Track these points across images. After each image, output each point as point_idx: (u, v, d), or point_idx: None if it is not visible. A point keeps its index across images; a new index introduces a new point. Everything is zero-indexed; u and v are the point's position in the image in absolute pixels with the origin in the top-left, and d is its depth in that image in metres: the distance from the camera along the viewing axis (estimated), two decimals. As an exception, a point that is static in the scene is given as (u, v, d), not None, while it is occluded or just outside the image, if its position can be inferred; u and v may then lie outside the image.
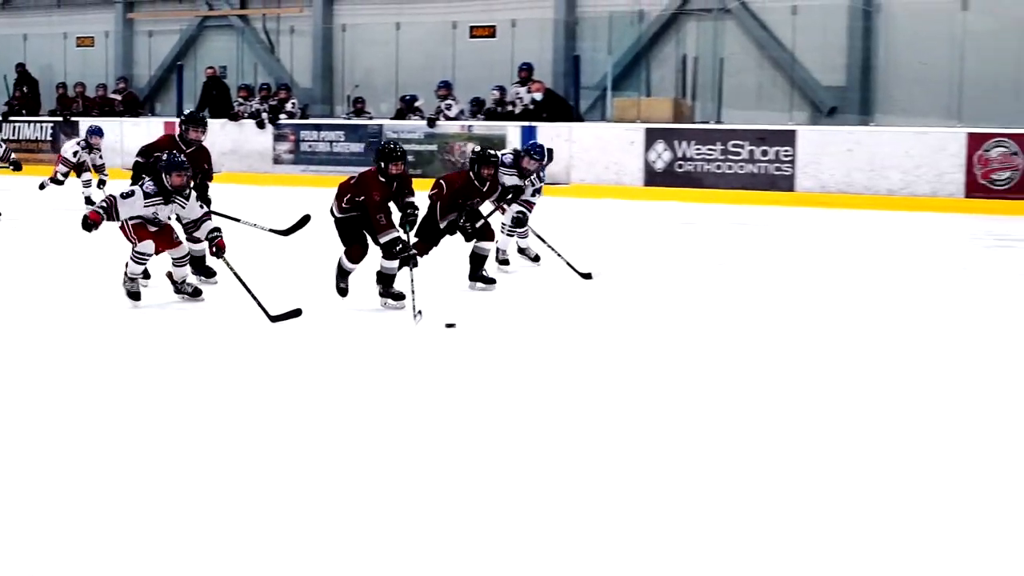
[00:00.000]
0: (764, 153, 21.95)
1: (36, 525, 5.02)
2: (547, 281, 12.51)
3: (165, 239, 10.59)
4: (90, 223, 10.11)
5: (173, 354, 8.88)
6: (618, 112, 25.08)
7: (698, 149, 22.35)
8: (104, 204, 10.25)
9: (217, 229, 10.45)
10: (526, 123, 24.12)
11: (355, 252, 10.81)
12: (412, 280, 10.21)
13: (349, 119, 26.79)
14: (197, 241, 10.96)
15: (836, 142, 21.52)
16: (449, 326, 9.75)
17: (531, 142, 12.69)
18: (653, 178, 22.78)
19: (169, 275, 10.94)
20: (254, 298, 9.94)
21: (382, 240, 10.53)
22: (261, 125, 26.17)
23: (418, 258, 10.77)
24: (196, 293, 10.99)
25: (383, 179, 10.60)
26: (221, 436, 6.51)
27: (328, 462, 5.98)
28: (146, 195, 10.31)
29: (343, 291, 10.87)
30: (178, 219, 10.64)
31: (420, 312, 9.98)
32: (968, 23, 23.03)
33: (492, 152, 11.89)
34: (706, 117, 24.76)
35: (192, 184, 10.79)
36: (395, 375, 8.17)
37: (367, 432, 6.59)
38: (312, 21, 30.35)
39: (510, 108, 24.84)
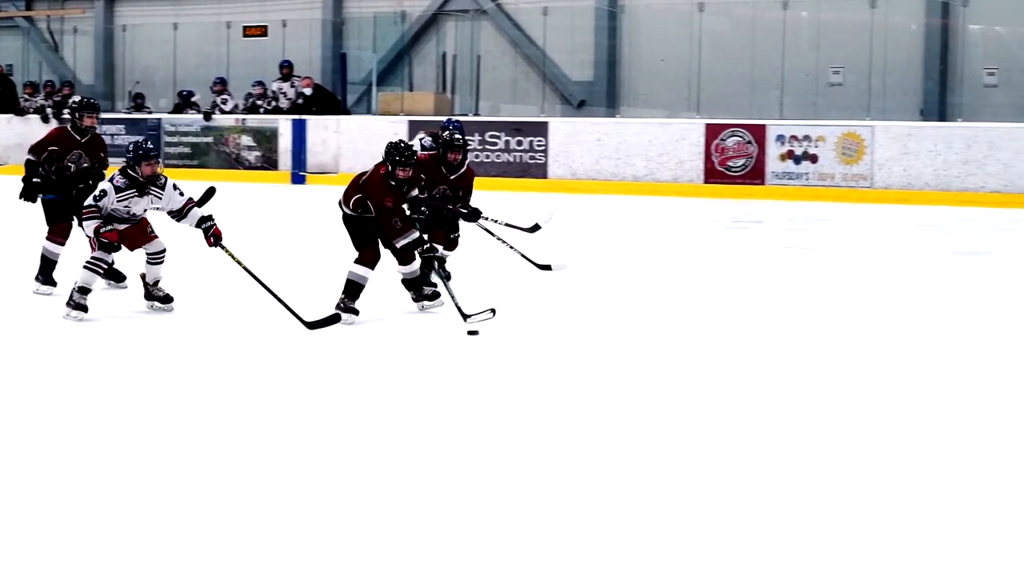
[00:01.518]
0: (519, 143, 22.84)
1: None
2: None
3: (139, 234, 9.63)
4: (111, 244, 9.32)
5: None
6: (383, 106, 25.81)
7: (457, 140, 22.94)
8: (98, 215, 9.34)
9: (209, 217, 9.34)
10: (296, 116, 24.84)
11: (368, 256, 9.59)
12: (447, 284, 9.43)
13: (129, 113, 27.24)
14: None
15: (585, 133, 22.52)
16: (472, 333, 8.86)
17: (451, 120, 11.66)
18: (415, 167, 23.35)
19: (142, 276, 9.81)
20: (280, 300, 9.01)
21: (399, 244, 9.48)
22: (46, 120, 26.16)
23: (444, 253, 10.11)
24: (166, 300, 9.79)
25: (393, 183, 9.51)
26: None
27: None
28: (117, 189, 9.33)
29: (354, 312, 9.47)
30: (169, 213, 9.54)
31: (472, 316, 9.10)
32: (704, 23, 24.37)
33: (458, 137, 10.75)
34: (465, 110, 25.60)
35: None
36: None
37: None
38: (94, 22, 30.58)
39: (273, 103, 25.51)
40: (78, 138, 10.92)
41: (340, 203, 9.77)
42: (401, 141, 9.71)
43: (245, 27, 28.79)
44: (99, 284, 9.86)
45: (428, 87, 26.64)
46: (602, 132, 22.38)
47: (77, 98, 16.45)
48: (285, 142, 24.62)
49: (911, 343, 8.90)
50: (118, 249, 9.53)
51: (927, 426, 6.55)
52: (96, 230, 9.26)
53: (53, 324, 9.34)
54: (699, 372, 7.89)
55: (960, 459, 5.90)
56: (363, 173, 9.77)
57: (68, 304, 9.43)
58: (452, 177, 10.67)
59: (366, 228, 9.64)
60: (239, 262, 9.18)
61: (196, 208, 9.44)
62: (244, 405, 6.93)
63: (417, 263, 9.72)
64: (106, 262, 9.52)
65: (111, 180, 9.47)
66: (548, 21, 25.70)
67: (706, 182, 21.26)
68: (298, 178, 24.41)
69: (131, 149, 9.41)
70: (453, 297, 9.22)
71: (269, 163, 24.74)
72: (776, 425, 6.50)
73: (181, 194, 9.45)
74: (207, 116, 25.51)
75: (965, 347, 8.75)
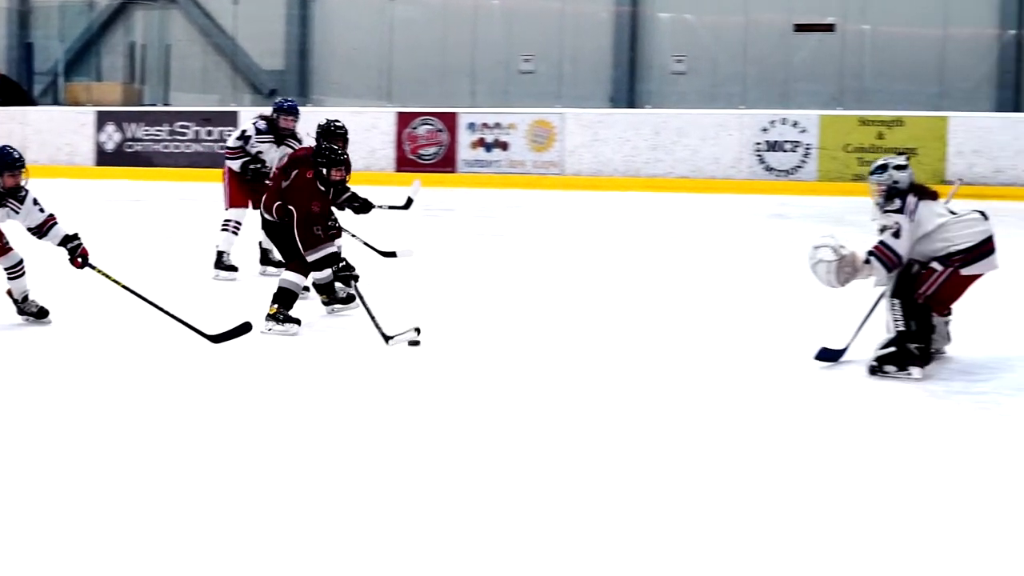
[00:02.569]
0: (209, 133, 22.23)
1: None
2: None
3: None
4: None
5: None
6: (70, 96, 24.99)
7: (147, 130, 22.43)
8: None
9: (75, 236, 8.23)
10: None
11: (302, 265, 8.65)
12: (363, 298, 8.33)
13: None
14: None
15: (277, 122, 21.79)
16: (413, 343, 8.03)
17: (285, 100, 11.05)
18: (105, 158, 22.69)
19: (9, 292, 8.69)
20: (174, 317, 7.93)
21: (311, 258, 8.55)
22: None
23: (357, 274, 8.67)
24: (42, 314, 8.66)
25: (323, 187, 8.65)
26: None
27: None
28: None
29: (295, 322, 8.50)
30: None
31: (394, 337, 8.08)
32: (396, 12, 24.03)
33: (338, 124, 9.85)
34: (154, 100, 24.97)
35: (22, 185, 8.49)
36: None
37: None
38: None
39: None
40: None
41: (262, 212, 8.92)
42: (328, 147, 8.82)
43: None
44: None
45: (117, 77, 25.85)
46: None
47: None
48: (-34, 134, 23.29)
49: (601, 326, 8.84)
50: None
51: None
52: None
53: None
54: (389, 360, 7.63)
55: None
56: (282, 176, 8.80)
57: None
58: None
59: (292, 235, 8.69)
60: (117, 282, 8.10)
61: (58, 225, 8.33)
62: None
63: (329, 270, 8.72)
64: None
65: None
66: (239, 10, 25.15)
67: (398, 170, 20.92)
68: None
69: None
70: (373, 318, 8.18)
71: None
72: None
73: (41, 210, 8.37)
74: None
75: (656, 327, 8.78)
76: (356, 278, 8.43)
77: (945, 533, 4.69)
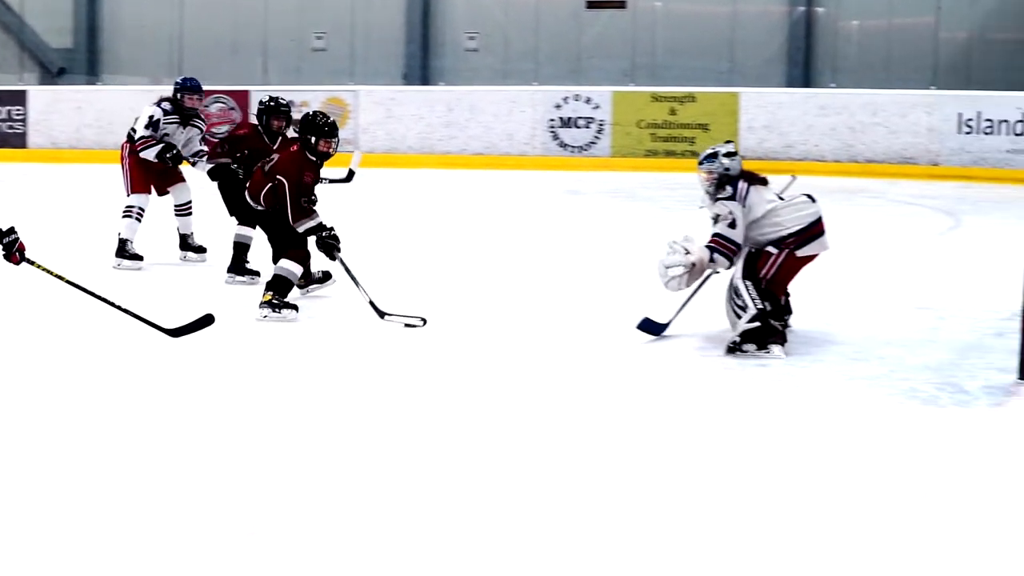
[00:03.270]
0: (-4, 113, 21.45)
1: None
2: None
3: None
4: None
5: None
6: None
7: (-68, 111, 21.54)
8: None
9: (11, 230, 7.19)
10: None
11: (302, 255, 8.61)
12: (353, 275, 8.32)
13: None
14: None
15: (65, 101, 21.38)
16: (410, 326, 7.98)
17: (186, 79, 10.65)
18: None
19: None
20: (128, 312, 7.49)
21: (301, 228, 8.43)
22: None
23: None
24: None
25: (313, 158, 8.52)
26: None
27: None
28: None
29: (293, 308, 8.36)
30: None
31: (390, 316, 8.13)
32: (186, -11, 23.44)
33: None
34: (-59, 80, 23.97)
35: None
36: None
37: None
38: None
39: None
40: None
41: (250, 202, 8.78)
42: (320, 113, 8.79)
43: None
44: None
45: None
46: (83, 100, 21.36)
47: None
48: None
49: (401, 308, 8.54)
50: None
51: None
52: None
53: None
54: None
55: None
56: (266, 161, 8.75)
57: None
58: (275, 146, 9.71)
59: (286, 223, 8.54)
60: (60, 277, 7.46)
61: None
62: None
63: (299, 267, 8.53)
64: None
65: None
66: (25, -13, 24.36)
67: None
68: None
69: None
70: (364, 291, 8.17)
71: None
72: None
73: None
74: None
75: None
76: (339, 251, 8.42)
77: (782, 498, 4.88)
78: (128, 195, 10.52)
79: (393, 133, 19.96)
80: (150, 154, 10.36)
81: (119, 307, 7.47)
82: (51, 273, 7.43)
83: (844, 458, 5.44)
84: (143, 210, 10.50)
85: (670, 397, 6.51)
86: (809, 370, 7.01)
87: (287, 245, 8.57)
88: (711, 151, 7.60)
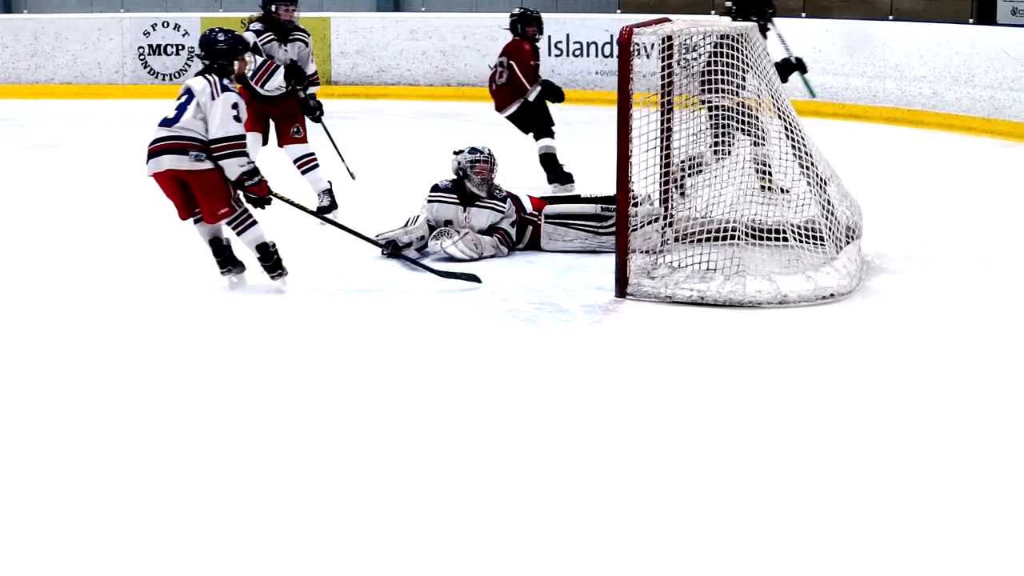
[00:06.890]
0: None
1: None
2: None
3: None
4: None
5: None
6: None
7: None
8: None
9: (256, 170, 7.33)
10: None
11: (550, 130, 10.67)
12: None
13: None
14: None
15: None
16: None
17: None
18: None
19: None
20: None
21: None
22: None
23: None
24: None
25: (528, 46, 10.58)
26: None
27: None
28: None
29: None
30: None
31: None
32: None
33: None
34: None
35: None
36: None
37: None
38: None
39: None
40: None
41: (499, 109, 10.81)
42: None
43: None
44: None
45: None
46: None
47: None
48: None
49: None
50: None
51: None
52: None
53: None
54: None
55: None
56: (497, 66, 10.74)
57: None
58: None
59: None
60: (301, 207, 7.83)
61: None
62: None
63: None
64: None
65: None
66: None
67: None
68: None
69: None
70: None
71: None
72: None
73: None
74: None
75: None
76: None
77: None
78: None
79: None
80: (273, 84, 9.23)
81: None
82: (293, 204, 7.73)
83: (443, 380, 5.63)
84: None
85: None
86: (407, 296, 7.12)
87: (543, 128, 10.68)
88: None
